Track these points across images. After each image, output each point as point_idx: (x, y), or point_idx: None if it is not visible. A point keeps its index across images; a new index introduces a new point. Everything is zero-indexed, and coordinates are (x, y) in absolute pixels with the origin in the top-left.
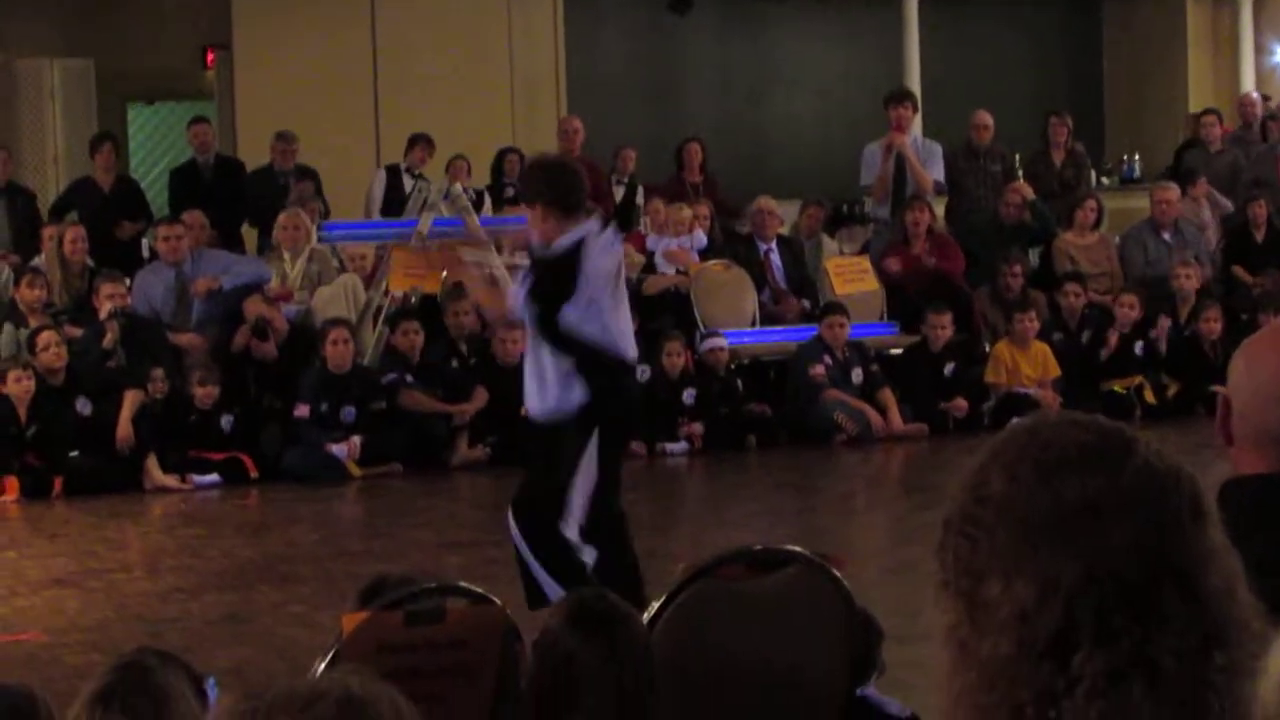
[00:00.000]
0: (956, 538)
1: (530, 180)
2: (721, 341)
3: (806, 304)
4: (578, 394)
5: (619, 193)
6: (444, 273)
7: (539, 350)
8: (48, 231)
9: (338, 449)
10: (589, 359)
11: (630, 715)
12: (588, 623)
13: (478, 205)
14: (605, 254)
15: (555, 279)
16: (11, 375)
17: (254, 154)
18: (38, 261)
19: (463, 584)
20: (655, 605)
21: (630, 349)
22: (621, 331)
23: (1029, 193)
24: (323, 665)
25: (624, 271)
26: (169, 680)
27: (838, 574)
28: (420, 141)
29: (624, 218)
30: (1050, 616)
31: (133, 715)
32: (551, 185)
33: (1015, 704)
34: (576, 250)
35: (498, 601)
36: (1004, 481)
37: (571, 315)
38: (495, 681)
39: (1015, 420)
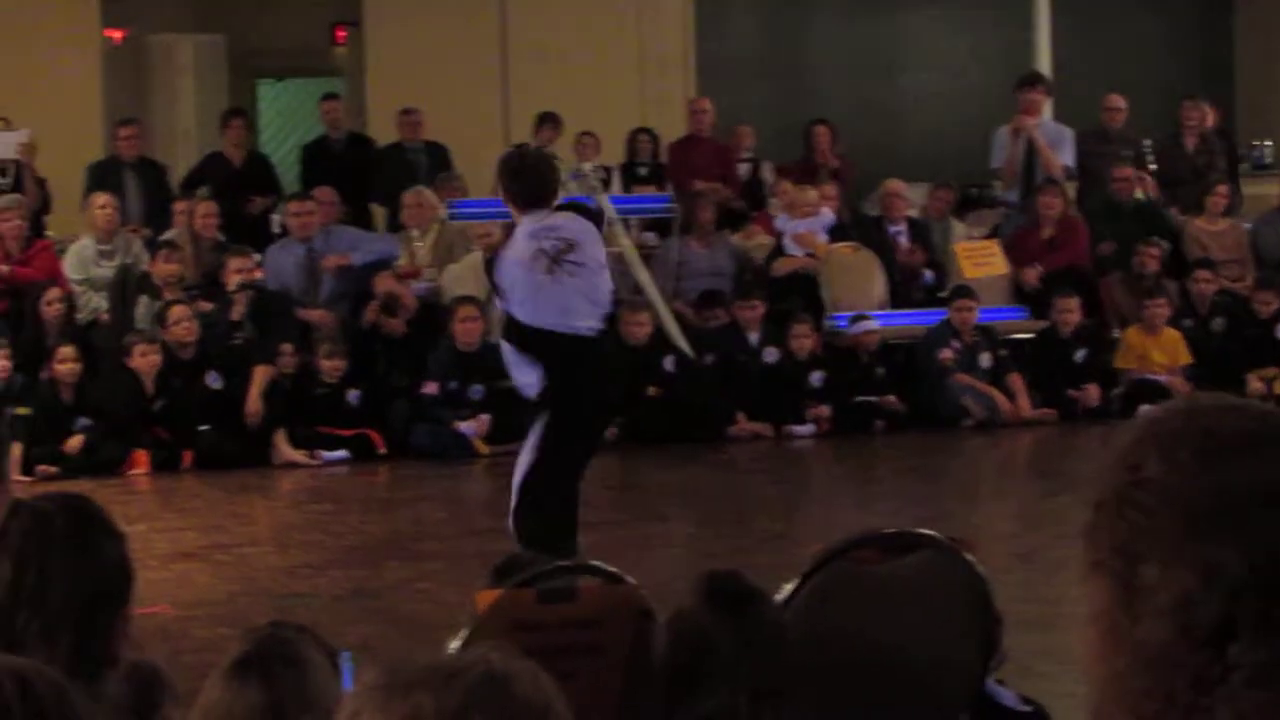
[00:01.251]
0: (1112, 519)
1: (499, 175)
2: (872, 324)
3: (933, 275)
4: (532, 376)
5: (743, 170)
6: None
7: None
8: (179, 206)
9: (466, 427)
10: (531, 341)
11: (763, 696)
12: (722, 602)
13: (606, 184)
14: (526, 240)
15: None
16: (138, 349)
17: (384, 130)
18: (170, 236)
19: (595, 563)
20: (788, 587)
21: (577, 322)
22: (561, 308)
23: (1149, 187)
24: (457, 643)
25: (580, 249)
26: (307, 652)
27: (971, 559)
28: (548, 120)
29: (751, 197)
30: (1211, 605)
31: (272, 684)
32: (511, 180)
33: (1168, 690)
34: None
35: (630, 580)
36: (1162, 465)
37: (511, 304)
38: (627, 660)
39: (1162, 403)
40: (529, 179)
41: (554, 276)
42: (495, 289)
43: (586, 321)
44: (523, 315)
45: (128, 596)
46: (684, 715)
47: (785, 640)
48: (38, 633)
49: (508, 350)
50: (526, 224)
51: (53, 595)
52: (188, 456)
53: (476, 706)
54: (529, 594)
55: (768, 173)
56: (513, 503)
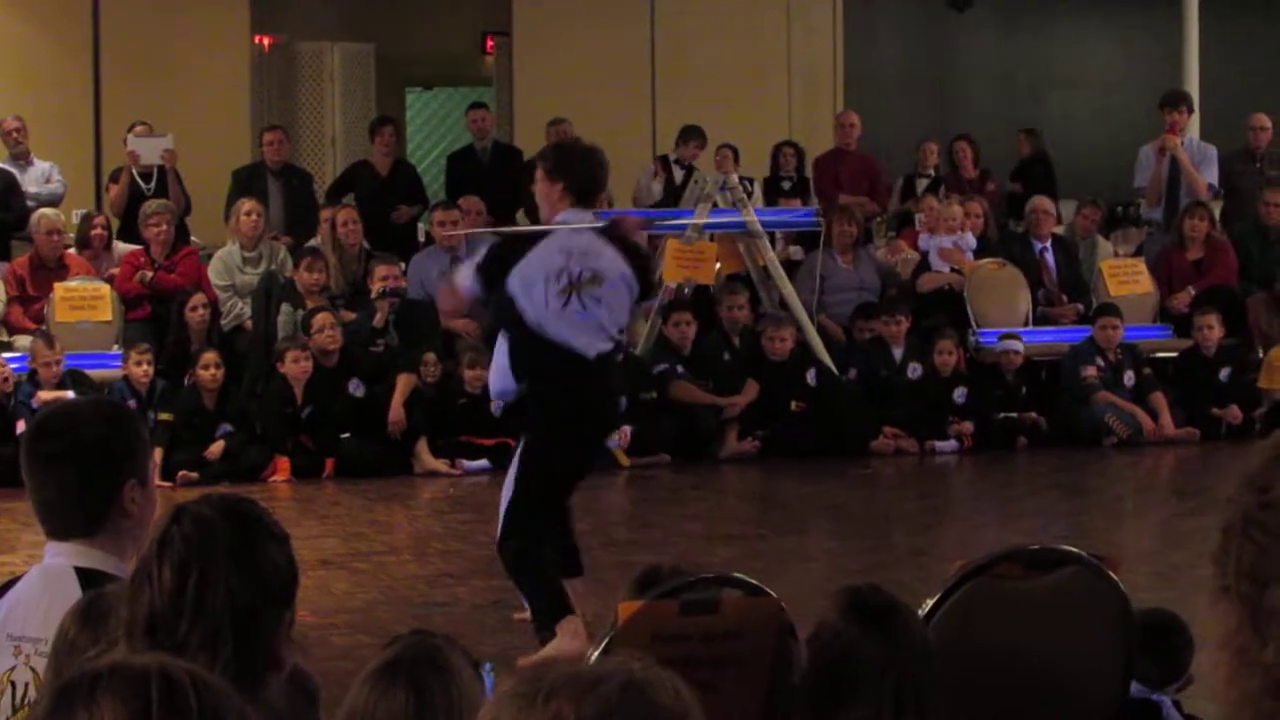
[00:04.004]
0: (1240, 542)
1: (557, 158)
2: (1017, 345)
3: (1081, 308)
4: (511, 383)
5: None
6: (718, 264)
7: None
8: (324, 214)
9: (609, 438)
10: (527, 347)
11: (908, 710)
12: (866, 616)
13: (749, 196)
14: (558, 252)
15: (504, 256)
16: (290, 355)
17: (531, 140)
18: (314, 243)
19: (737, 575)
20: (929, 602)
21: (584, 344)
22: (572, 324)
23: None
24: (597, 653)
25: (606, 284)
26: (453, 659)
27: (1115, 576)
28: (693, 134)
29: (897, 213)
30: None
31: (418, 689)
32: (572, 168)
33: None
34: (538, 236)
35: (772, 594)
36: None
37: (514, 289)
38: (769, 673)
39: None
40: (596, 172)
41: (568, 301)
42: (493, 282)
43: (594, 343)
44: (531, 317)
45: (291, 600)
46: None
47: (929, 653)
48: (199, 640)
49: (499, 350)
50: (563, 228)
51: (215, 602)
52: (329, 464)
53: (616, 714)
54: (671, 605)
55: (916, 188)
56: (499, 532)
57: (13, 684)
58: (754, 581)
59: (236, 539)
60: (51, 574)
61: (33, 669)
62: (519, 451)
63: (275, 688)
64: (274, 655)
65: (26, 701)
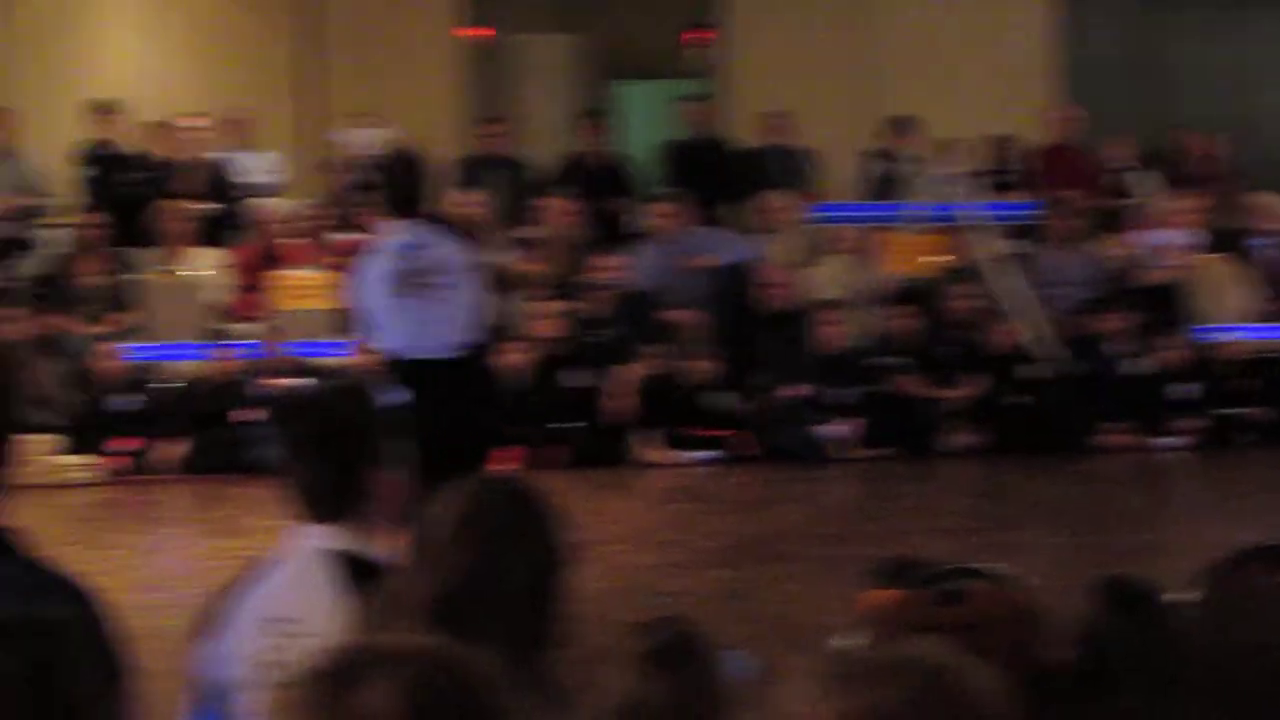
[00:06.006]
0: None
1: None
2: (1241, 340)
3: None
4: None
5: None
6: (938, 258)
7: None
8: (540, 204)
9: (831, 430)
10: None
11: (1162, 704)
12: (1129, 605)
13: (970, 190)
14: (385, 258)
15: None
16: (507, 347)
17: (743, 133)
18: (532, 233)
19: (983, 565)
20: (1180, 596)
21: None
22: (402, 331)
23: None
24: (846, 643)
25: (434, 271)
26: (710, 646)
27: None
28: (906, 124)
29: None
30: None
31: (679, 677)
32: (387, 184)
33: None
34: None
35: (1020, 584)
36: None
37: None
38: (1015, 664)
39: None
40: (408, 183)
41: (412, 297)
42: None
43: (444, 342)
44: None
45: (566, 580)
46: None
47: (1188, 645)
48: (486, 618)
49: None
50: (391, 238)
51: (501, 581)
52: (552, 453)
53: (933, 697)
54: (918, 595)
55: (1134, 182)
56: None
57: (267, 663)
58: (1001, 572)
59: (520, 519)
60: (306, 556)
61: (286, 649)
62: None
63: (551, 666)
64: (552, 634)
65: (282, 681)
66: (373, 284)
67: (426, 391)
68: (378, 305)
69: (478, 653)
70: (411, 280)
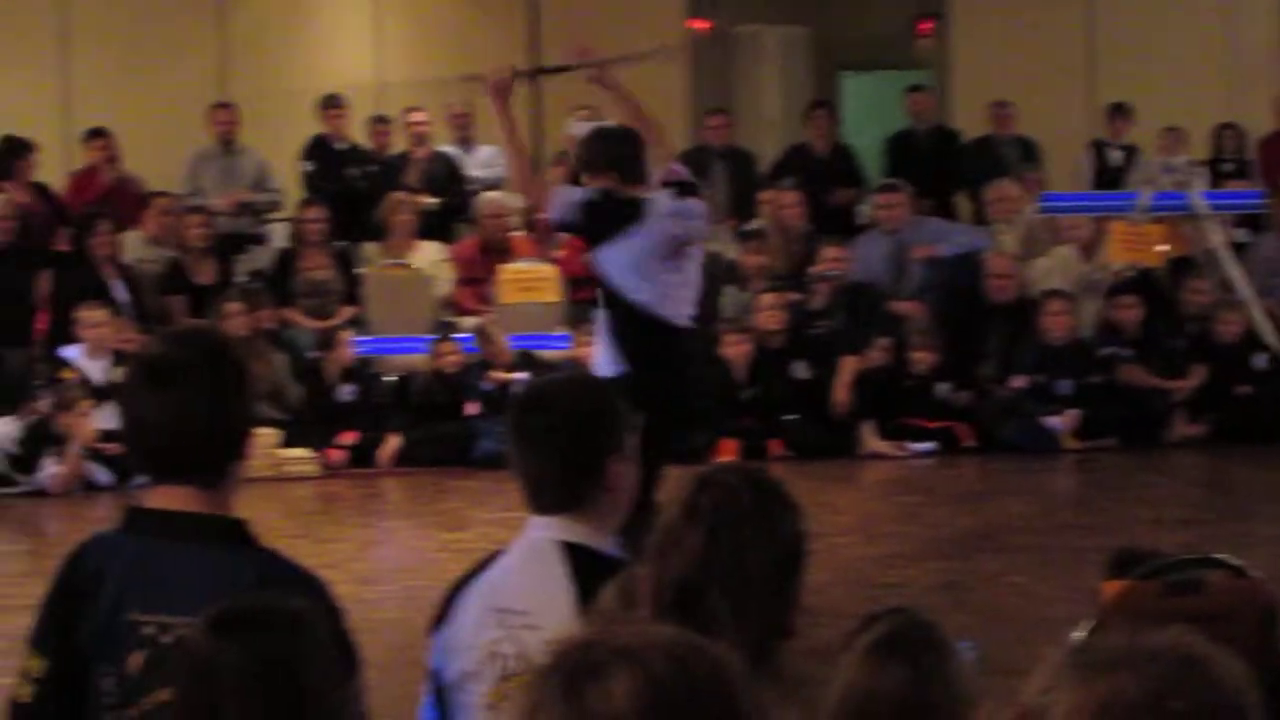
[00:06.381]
0: None
1: (591, 149)
2: None
3: None
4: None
5: None
6: (1164, 247)
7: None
8: (764, 196)
9: (1054, 421)
10: (629, 320)
11: None
12: None
13: (1194, 179)
14: (666, 220)
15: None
16: (729, 339)
17: (969, 123)
18: (756, 225)
19: (1220, 556)
20: None
21: (677, 314)
22: (673, 298)
23: None
24: (1080, 634)
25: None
26: (946, 635)
27: None
28: (1120, 112)
29: None
30: None
31: (915, 665)
32: (610, 154)
33: None
34: (639, 205)
35: (1259, 576)
36: None
37: (611, 261)
38: (1254, 657)
39: None
40: (637, 153)
41: (671, 261)
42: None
43: (686, 312)
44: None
45: (803, 569)
46: None
47: None
48: (727, 608)
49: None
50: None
51: (742, 569)
52: (774, 445)
53: (1177, 687)
54: (1154, 585)
55: None
56: None
57: (498, 655)
58: (1237, 563)
59: (759, 508)
60: (537, 548)
61: (517, 641)
62: None
63: (787, 656)
64: (788, 625)
65: (512, 673)
66: (635, 244)
67: (662, 355)
68: (636, 265)
69: (717, 645)
70: (676, 245)
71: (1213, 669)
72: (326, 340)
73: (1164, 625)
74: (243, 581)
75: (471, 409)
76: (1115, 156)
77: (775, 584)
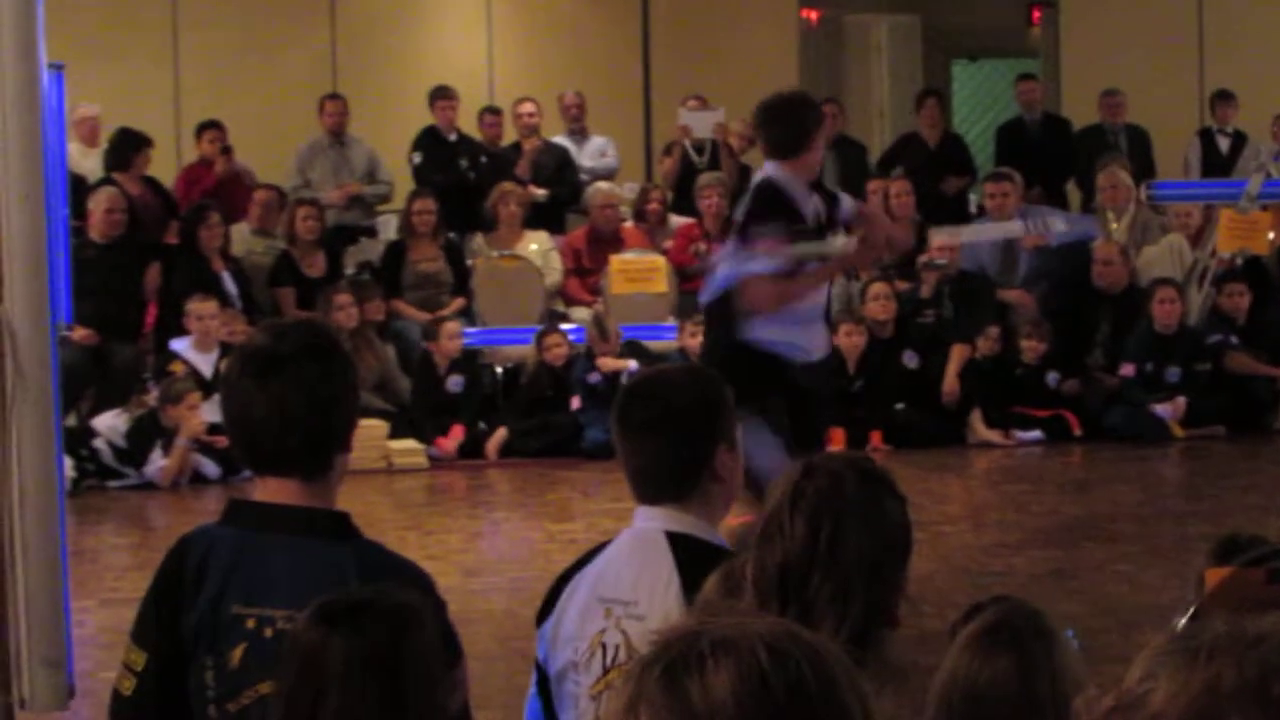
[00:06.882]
0: None
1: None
2: None
3: None
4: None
5: None
6: (1273, 234)
7: None
8: (873, 185)
9: (1161, 409)
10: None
11: None
12: None
13: None
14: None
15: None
16: (843, 329)
17: (1079, 112)
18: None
19: None
20: None
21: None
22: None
23: None
24: (1183, 621)
25: None
26: (1053, 624)
27: None
28: (1225, 99)
29: None
30: None
31: (1022, 653)
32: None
33: None
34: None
35: None
36: None
37: None
38: None
39: None
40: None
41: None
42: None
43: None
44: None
45: (908, 558)
46: None
47: None
48: (830, 595)
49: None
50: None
51: (846, 556)
52: (876, 436)
53: (1279, 674)
54: (1258, 573)
55: None
56: None
57: (604, 645)
58: None
59: (865, 495)
60: (643, 538)
61: (623, 631)
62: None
63: (891, 645)
64: (892, 613)
65: (617, 663)
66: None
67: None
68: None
69: (819, 636)
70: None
71: None
72: (435, 332)
73: (1266, 612)
74: (345, 574)
75: (575, 402)
76: (1224, 144)
77: (878, 572)
